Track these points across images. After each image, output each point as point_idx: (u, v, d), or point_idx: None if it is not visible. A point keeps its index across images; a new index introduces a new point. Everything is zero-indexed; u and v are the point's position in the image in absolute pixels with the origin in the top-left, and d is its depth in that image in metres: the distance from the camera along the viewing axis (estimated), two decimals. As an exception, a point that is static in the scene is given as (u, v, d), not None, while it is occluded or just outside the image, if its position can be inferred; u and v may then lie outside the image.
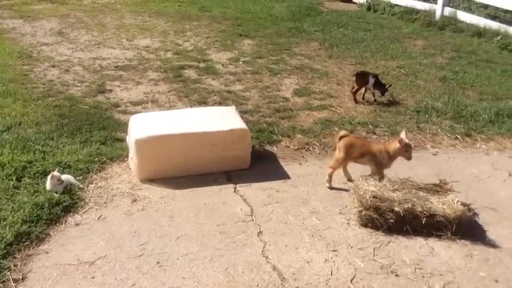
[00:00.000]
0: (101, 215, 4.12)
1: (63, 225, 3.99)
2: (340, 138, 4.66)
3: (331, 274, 3.48)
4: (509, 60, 9.78)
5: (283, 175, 4.89)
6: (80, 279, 3.41)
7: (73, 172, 4.65)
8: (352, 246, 3.81)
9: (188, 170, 4.71)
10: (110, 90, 7.10)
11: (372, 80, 7.05)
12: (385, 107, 6.94)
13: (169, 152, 4.61)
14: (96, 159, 4.93)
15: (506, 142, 5.88)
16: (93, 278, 3.42)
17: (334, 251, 3.75)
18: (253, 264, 3.57)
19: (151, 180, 4.61)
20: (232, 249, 3.73)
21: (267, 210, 4.26)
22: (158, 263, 3.55)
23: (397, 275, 3.49)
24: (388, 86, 7.18)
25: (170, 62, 8.58)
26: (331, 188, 4.67)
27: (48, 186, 4.30)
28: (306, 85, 7.87)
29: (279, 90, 7.54)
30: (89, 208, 4.22)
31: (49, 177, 4.29)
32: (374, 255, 3.70)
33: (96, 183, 4.60)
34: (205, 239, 3.84)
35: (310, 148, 5.56)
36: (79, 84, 7.30)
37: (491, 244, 3.88)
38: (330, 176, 4.69)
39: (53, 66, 8.11)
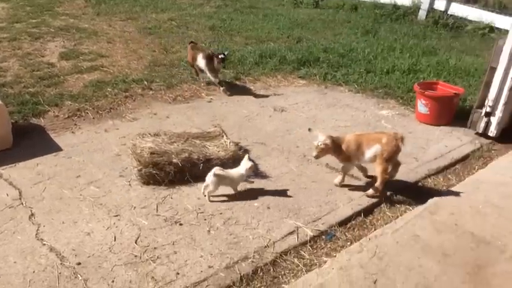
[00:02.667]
0: None
1: None
2: None
3: (115, 240, 3.37)
4: (269, 5, 10.61)
5: (54, 148, 4.50)
6: None
7: None
8: (135, 207, 3.73)
9: None
10: None
11: (202, 61, 5.89)
12: (159, 60, 6.88)
13: None
14: None
15: (270, 81, 6.41)
16: None
17: (117, 215, 3.63)
18: (27, 251, 3.23)
19: None
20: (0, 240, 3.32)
21: (39, 189, 3.88)
22: None
23: (180, 224, 3.55)
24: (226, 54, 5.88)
25: None
26: None
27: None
28: (74, 47, 7.34)
29: (43, 56, 6.88)
30: None
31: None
32: (157, 211, 3.70)
33: None
34: (-37, 237, 3.34)
35: (83, 114, 5.23)
36: None
37: (263, 175, 4.21)
38: None
39: None
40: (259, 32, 8.41)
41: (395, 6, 10.09)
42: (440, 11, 9.60)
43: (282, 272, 3.14)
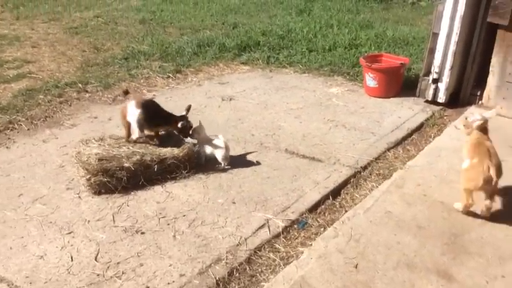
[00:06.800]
0: None
1: None
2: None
3: (72, 260, 3.07)
4: (197, -8, 10.28)
5: (-13, 167, 4.07)
6: None
7: None
8: (89, 221, 3.42)
9: None
10: None
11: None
12: (91, 60, 6.46)
13: None
14: None
15: (213, 70, 6.18)
16: None
17: (70, 233, 3.31)
18: (-28, 286, 2.88)
19: None
20: None
21: (-24, 216, 3.48)
22: None
23: (142, 233, 3.30)
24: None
25: None
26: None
27: None
28: (-5, 55, 6.75)
29: (-39, 68, 6.26)
30: None
31: None
32: (114, 222, 3.41)
33: None
34: None
35: (16, 126, 4.78)
36: None
37: (222, 169, 4.01)
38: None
39: None
40: (192, 21, 8.13)
41: (326, -17, 10.08)
42: (369, -16, 9.69)
43: (259, 269, 2.97)
